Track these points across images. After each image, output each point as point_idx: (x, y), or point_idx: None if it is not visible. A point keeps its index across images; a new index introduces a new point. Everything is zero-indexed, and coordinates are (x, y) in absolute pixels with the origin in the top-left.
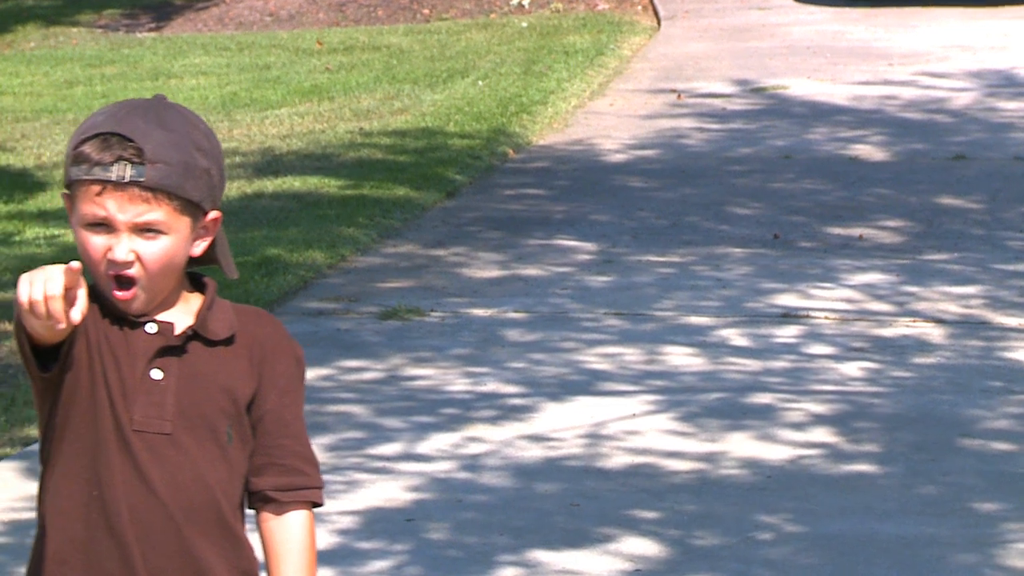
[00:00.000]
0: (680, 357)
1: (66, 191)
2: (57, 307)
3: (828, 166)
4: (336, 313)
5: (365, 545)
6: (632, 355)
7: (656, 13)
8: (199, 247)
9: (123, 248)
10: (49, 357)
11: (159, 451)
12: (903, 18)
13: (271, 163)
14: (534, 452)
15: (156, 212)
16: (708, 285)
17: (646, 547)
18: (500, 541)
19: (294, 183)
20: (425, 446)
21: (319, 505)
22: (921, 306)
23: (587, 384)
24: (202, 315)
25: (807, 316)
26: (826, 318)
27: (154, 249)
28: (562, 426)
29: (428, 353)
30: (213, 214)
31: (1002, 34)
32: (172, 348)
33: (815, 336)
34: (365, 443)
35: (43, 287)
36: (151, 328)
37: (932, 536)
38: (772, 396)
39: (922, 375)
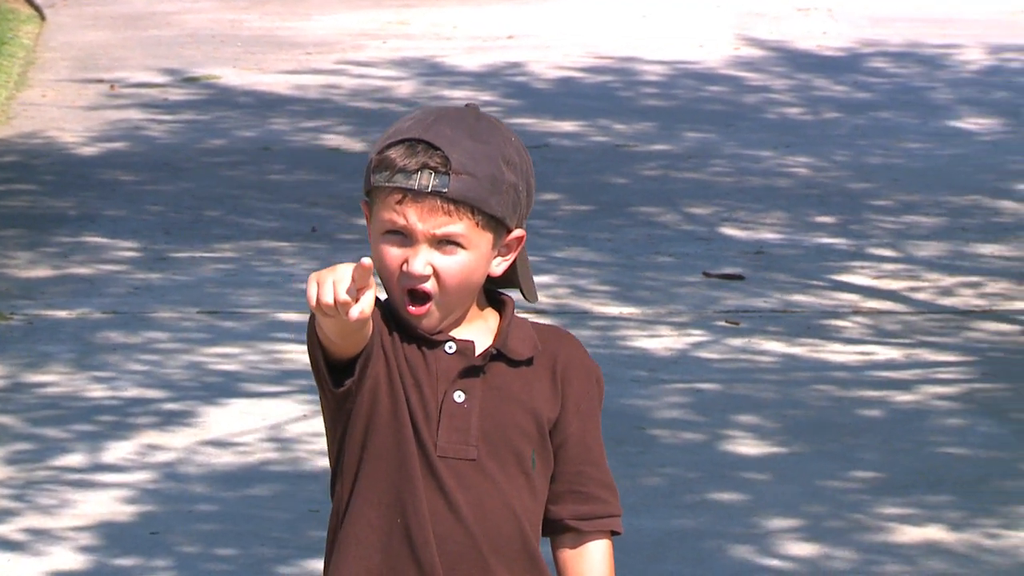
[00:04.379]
0: (306, 355)
1: (365, 198)
2: (347, 308)
3: (313, 158)
4: None
5: (125, 563)
6: (254, 355)
7: (31, 1)
8: (500, 266)
9: (420, 261)
10: (344, 373)
11: (465, 478)
12: (291, 6)
13: None
14: (228, 459)
15: (457, 225)
16: (280, 280)
17: None
18: (267, 552)
19: None
20: (108, 456)
21: (619, 534)
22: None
23: (229, 386)
24: (503, 333)
25: None
26: None
27: (452, 264)
28: (238, 430)
29: (34, 358)
30: (517, 232)
31: (399, 22)
32: (474, 369)
33: None
34: (42, 455)
35: (332, 289)
36: (450, 348)
37: (697, 529)
38: None
39: None
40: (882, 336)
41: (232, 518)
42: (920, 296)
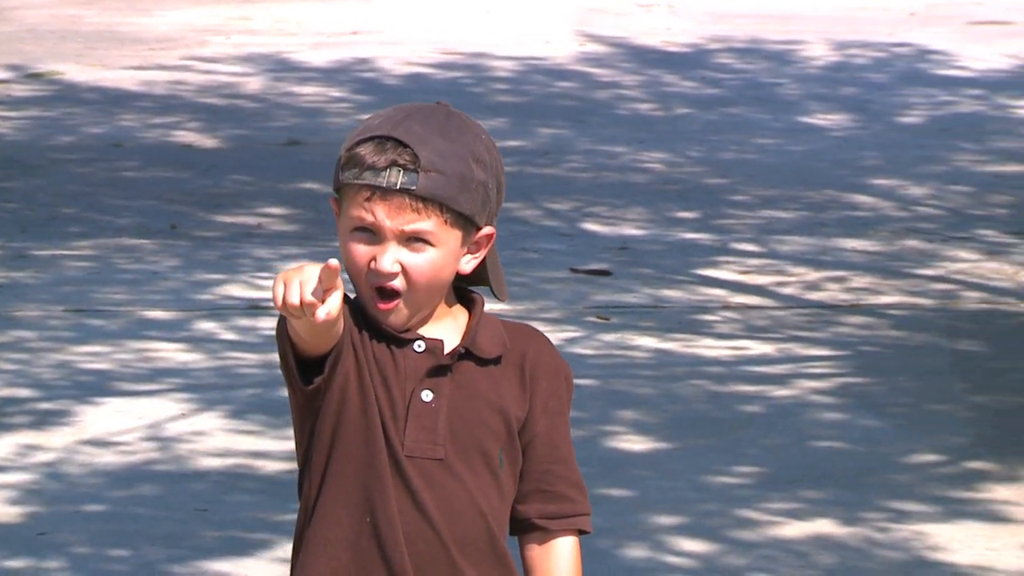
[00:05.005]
0: (178, 353)
1: (334, 195)
2: (313, 310)
3: (166, 154)
4: None
5: (16, 564)
6: (124, 353)
7: None
8: (469, 264)
9: (388, 258)
10: (313, 370)
11: (432, 477)
12: (130, 2)
13: None
14: (110, 458)
15: (425, 222)
16: (144, 278)
17: None
18: (158, 552)
19: None
20: None
21: (587, 532)
22: None
23: (102, 384)
24: (472, 331)
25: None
26: None
27: (420, 261)
28: (116, 429)
29: None
30: (487, 230)
31: (242, 17)
32: (442, 368)
33: None
34: None
35: (298, 289)
36: (419, 346)
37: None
38: None
39: None
40: (753, 331)
41: (119, 518)
42: (787, 291)
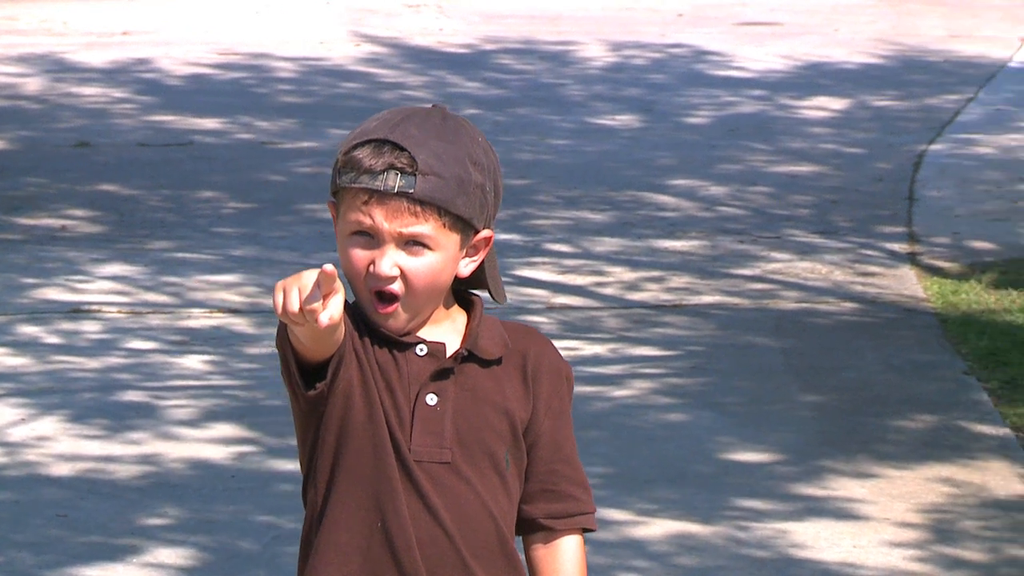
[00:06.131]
0: (5, 357)
1: (332, 199)
2: (314, 315)
3: None
4: None
5: None
6: None
7: None
8: (468, 267)
9: (387, 262)
10: (315, 376)
11: (441, 481)
12: None
13: None
14: None
15: (423, 225)
16: None
17: (185, 555)
18: (26, 558)
19: None
20: None
21: (591, 531)
22: (200, 296)
23: None
24: (473, 333)
25: (98, 311)
26: (119, 312)
27: (419, 265)
28: None
29: None
30: (485, 233)
31: (8, 17)
32: (445, 371)
33: (125, 331)
34: None
35: (297, 296)
36: (421, 350)
37: None
38: (143, 394)
39: (270, 365)
40: (580, 332)
41: None
42: (608, 291)
